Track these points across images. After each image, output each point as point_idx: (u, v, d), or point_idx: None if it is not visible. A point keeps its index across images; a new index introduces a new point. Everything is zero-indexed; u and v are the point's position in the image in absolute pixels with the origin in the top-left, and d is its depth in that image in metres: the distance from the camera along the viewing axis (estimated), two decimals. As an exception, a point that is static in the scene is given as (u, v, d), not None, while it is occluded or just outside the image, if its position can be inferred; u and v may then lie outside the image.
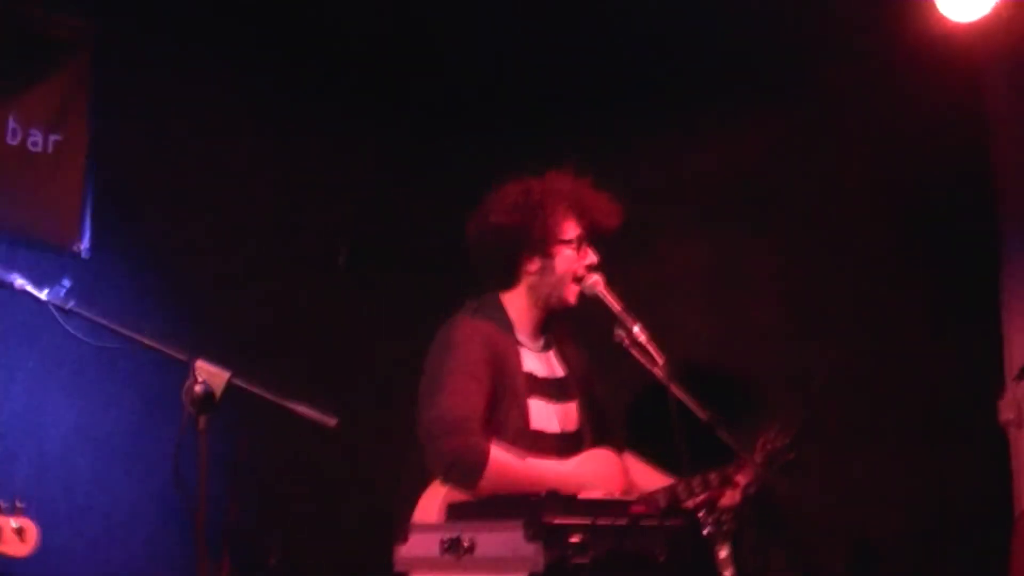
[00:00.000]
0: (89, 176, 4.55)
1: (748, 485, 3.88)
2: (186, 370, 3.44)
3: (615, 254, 4.11)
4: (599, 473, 3.85)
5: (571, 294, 3.98)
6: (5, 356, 4.31)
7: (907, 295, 4.70)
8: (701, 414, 3.69)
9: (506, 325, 3.96)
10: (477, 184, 4.15)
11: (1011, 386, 4.54)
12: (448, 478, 3.67)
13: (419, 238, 5.33)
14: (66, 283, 3.55)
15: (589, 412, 4.06)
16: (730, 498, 3.76)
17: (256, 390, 3.54)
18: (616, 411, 4.26)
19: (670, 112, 5.17)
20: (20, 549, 3.75)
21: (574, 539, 3.33)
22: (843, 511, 4.68)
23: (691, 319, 5.08)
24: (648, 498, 3.69)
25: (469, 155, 5.32)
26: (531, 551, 3.30)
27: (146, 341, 3.55)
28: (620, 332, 3.83)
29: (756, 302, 5.05)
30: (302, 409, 3.60)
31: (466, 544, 3.42)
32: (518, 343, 3.97)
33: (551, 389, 3.99)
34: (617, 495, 3.74)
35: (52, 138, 4.48)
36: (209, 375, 3.45)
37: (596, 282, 3.96)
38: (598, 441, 4.02)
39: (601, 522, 3.41)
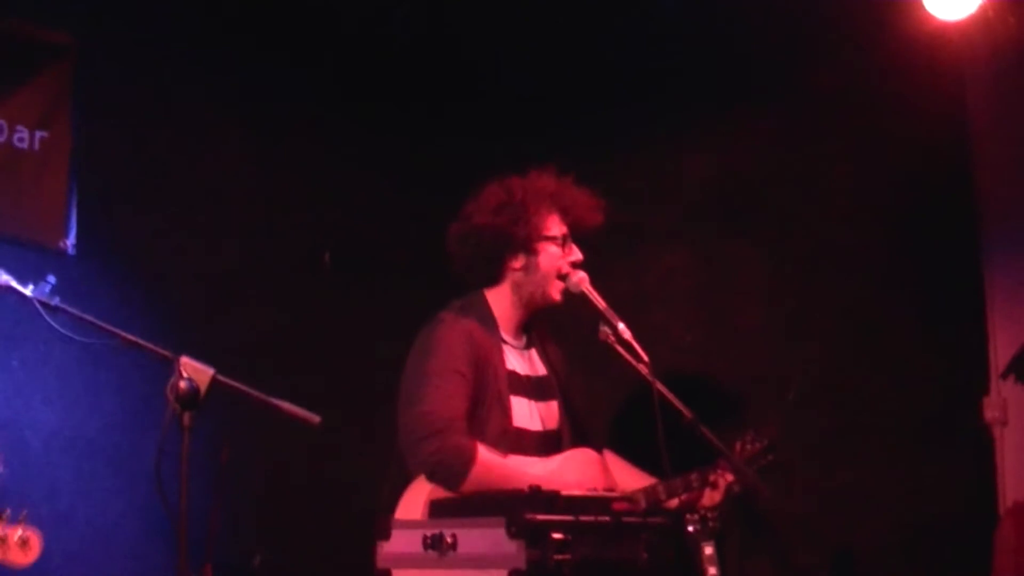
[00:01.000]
0: (75, 173, 4.55)
1: (731, 484, 3.89)
2: (171, 369, 3.45)
3: (600, 258, 4.12)
4: (581, 471, 3.85)
5: (556, 291, 3.98)
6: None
7: (891, 295, 4.70)
8: (685, 412, 3.70)
9: (490, 323, 3.96)
10: (464, 186, 4.15)
11: (996, 385, 4.56)
12: (433, 478, 3.67)
13: (402, 238, 5.33)
14: (51, 280, 3.55)
15: (570, 411, 4.07)
16: (712, 497, 3.77)
17: (240, 387, 3.55)
18: (597, 410, 4.26)
19: (655, 115, 5.18)
20: (23, 558, 3.75)
21: (556, 536, 3.32)
22: (827, 511, 4.68)
23: (675, 323, 5.09)
24: (628, 498, 3.69)
25: (456, 158, 5.32)
26: (513, 548, 3.30)
27: (130, 338, 3.55)
28: (605, 329, 3.83)
29: (741, 305, 5.05)
30: (286, 406, 3.61)
31: (448, 541, 3.42)
32: (502, 341, 3.97)
33: (533, 388, 4.00)
34: (599, 493, 3.74)
35: (39, 135, 4.49)
36: (194, 372, 3.46)
37: (581, 279, 3.96)
38: (578, 440, 4.02)
39: (583, 519, 3.41)
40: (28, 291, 3.51)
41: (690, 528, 3.58)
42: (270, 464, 4.80)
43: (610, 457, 4.15)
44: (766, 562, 4.72)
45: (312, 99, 5.24)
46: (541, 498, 3.41)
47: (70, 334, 3.56)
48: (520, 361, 4.01)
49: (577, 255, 4.00)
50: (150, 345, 3.52)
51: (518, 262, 3.98)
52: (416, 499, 3.66)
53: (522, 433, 3.90)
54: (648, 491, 3.79)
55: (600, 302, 3.90)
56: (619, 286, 4.21)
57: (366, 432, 4.69)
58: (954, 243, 4.63)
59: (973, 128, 4.70)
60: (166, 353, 3.48)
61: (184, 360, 3.45)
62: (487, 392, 3.83)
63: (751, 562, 4.61)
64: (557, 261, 3.98)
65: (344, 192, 5.29)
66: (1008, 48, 4.54)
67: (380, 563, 3.57)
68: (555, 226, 3.99)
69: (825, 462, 4.73)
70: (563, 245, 3.99)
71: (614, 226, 4.18)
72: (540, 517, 3.34)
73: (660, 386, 3.72)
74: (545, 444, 3.94)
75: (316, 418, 3.61)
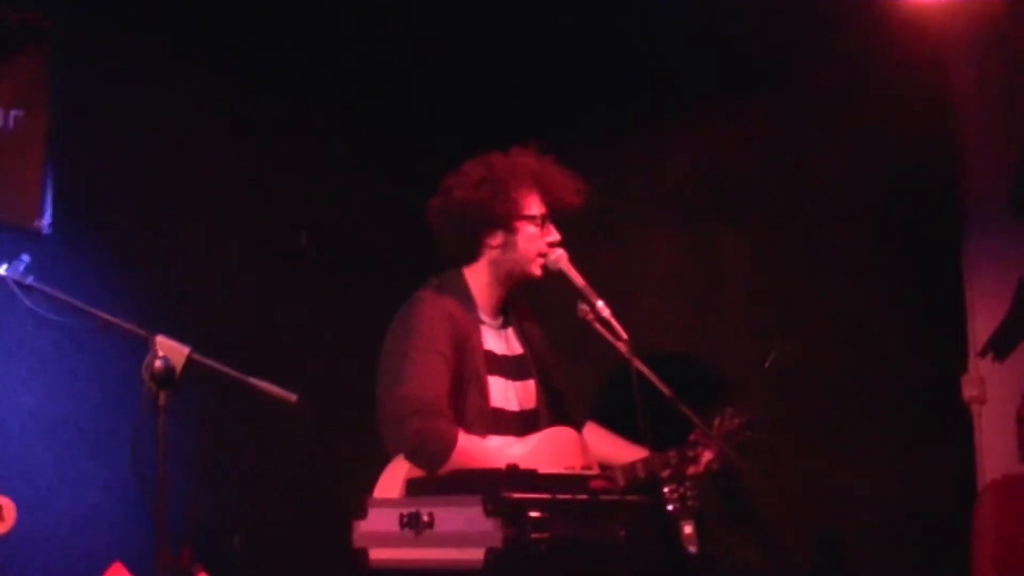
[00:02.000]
0: (51, 153, 4.52)
1: (711, 461, 3.90)
2: (146, 348, 3.43)
3: (586, 245, 4.11)
4: (559, 450, 3.84)
5: (535, 267, 3.96)
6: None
7: (870, 274, 4.72)
8: (664, 390, 3.69)
9: (468, 302, 3.94)
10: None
11: (974, 363, 4.57)
12: (412, 459, 3.66)
13: (369, 222, 5.32)
14: (25, 258, 3.54)
15: (547, 390, 4.05)
16: (692, 470, 3.78)
17: (216, 366, 3.54)
18: (576, 388, 4.25)
19: (643, 107, 5.18)
20: None
21: (533, 514, 3.31)
22: (807, 492, 4.70)
23: (660, 311, 5.09)
24: (606, 476, 3.69)
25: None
26: (490, 526, 3.28)
27: (105, 317, 3.54)
28: (584, 307, 3.82)
29: (724, 292, 5.06)
30: (263, 385, 3.61)
31: (425, 519, 3.40)
32: (479, 321, 3.95)
33: (510, 367, 3.98)
34: (577, 471, 3.73)
35: (13, 113, 4.46)
36: (169, 350, 3.46)
37: (560, 256, 3.94)
38: (557, 419, 4.01)
39: (561, 497, 3.40)
40: (2, 270, 3.50)
41: (669, 507, 3.58)
42: (249, 444, 4.78)
43: (594, 429, 4.15)
44: (748, 542, 4.74)
45: (292, 83, 5.18)
46: (518, 476, 3.39)
47: (45, 314, 3.55)
48: (497, 340, 3.99)
49: (555, 235, 3.98)
50: (125, 324, 3.51)
51: (496, 239, 3.96)
52: (394, 478, 3.66)
53: (499, 413, 3.88)
54: (626, 469, 3.79)
55: (579, 280, 3.89)
56: (604, 273, 4.19)
57: (344, 410, 4.68)
58: (934, 223, 4.64)
59: (954, 110, 4.71)
60: (141, 332, 3.48)
61: (159, 339, 3.45)
62: (465, 372, 3.81)
63: (734, 542, 4.62)
64: (535, 241, 3.95)
65: (326, 176, 5.26)
66: (988, 33, 4.55)
67: (356, 542, 3.55)
68: (534, 205, 3.97)
69: (804, 443, 4.74)
70: (541, 225, 3.97)
71: (601, 214, 4.18)
72: (517, 495, 3.32)
73: (639, 364, 3.71)
74: (522, 424, 3.93)
75: (293, 397, 3.61)
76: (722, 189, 5.06)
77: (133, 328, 3.49)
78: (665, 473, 3.76)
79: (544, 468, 3.59)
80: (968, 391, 4.57)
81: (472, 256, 3.99)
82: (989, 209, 4.60)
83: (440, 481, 3.55)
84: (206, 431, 4.21)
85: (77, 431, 4.52)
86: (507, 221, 3.93)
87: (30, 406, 4.43)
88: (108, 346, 4.22)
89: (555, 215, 4.00)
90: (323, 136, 5.30)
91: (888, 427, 4.61)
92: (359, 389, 3.93)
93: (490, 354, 3.93)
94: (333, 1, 5.16)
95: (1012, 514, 4.27)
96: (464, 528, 3.33)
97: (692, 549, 3.54)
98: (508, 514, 3.29)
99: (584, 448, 3.95)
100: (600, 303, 3.82)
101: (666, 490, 3.60)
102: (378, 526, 3.51)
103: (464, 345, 3.83)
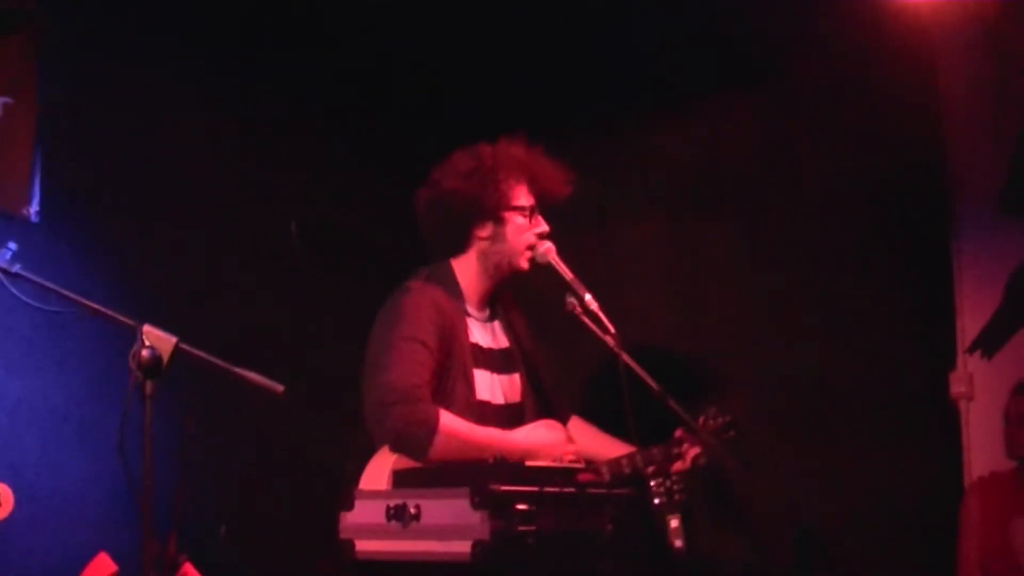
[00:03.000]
0: (40, 140, 4.49)
1: (698, 456, 3.89)
2: (133, 338, 3.42)
3: (574, 238, 4.10)
4: (547, 443, 3.83)
5: (523, 260, 3.95)
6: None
7: (860, 271, 4.73)
8: (652, 385, 3.69)
9: (455, 293, 3.93)
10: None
11: (963, 360, 4.58)
12: (397, 446, 3.63)
13: (357, 213, 5.31)
14: (12, 246, 3.51)
15: (533, 383, 4.04)
16: (679, 466, 3.77)
17: (203, 355, 3.52)
18: (562, 382, 4.24)
19: (633, 102, 5.18)
20: None
21: (520, 507, 3.31)
22: (794, 487, 4.70)
23: (648, 305, 5.10)
24: (593, 469, 3.68)
25: (425, 140, 5.29)
26: (477, 519, 3.28)
27: (93, 306, 3.52)
28: (572, 300, 3.81)
29: (712, 287, 5.06)
30: (250, 375, 3.58)
31: (412, 511, 3.39)
32: (466, 313, 3.94)
33: (496, 360, 3.97)
34: (564, 464, 3.73)
35: (1, 101, 4.41)
36: (156, 340, 3.42)
37: (548, 249, 3.93)
38: (542, 412, 3.99)
39: (548, 490, 3.39)
40: (-12, 257, 3.48)
41: (656, 500, 3.57)
42: (235, 435, 4.77)
43: (578, 423, 4.14)
44: (735, 537, 4.74)
45: (281, 75, 5.16)
46: (505, 469, 3.39)
47: (32, 302, 3.53)
48: (483, 333, 3.98)
49: (543, 227, 3.97)
50: (112, 313, 3.49)
51: (484, 231, 3.94)
52: (380, 470, 3.63)
53: (485, 406, 3.87)
54: (612, 463, 3.78)
55: (567, 273, 3.88)
56: (593, 266, 4.19)
57: (331, 401, 4.66)
58: (923, 220, 4.65)
59: (944, 106, 4.72)
60: (128, 321, 3.45)
61: (147, 328, 3.42)
62: (452, 364, 3.80)
63: (720, 536, 4.63)
64: (523, 232, 3.93)
65: (311, 166, 5.25)
66: (979, 31, 4.56)
67: (343, 534, 3.53)
68: (523, 196, 3.95)
69: (792, 438, 4.75)
70: (530, 216, 3.95)
71: (591, 206, 4.17)
72: (504, 488, 3.31)
73: (627, 358, 3.71)
74: (508, 417, 3.91)
75: (279, 387, 3.58)
76: (712, 184, 5.08)
77: (120, 317, 3.47)
78: (649, 469, 3.75)
79: (531, 459, 3.59)
80: (956, 388, 4.58)
81: (460, 247, 3.97)
82: (979, 206, 4.61)
83: (427, 473, 3.53)
84: (193, 421, 4.19)
85: (63, 420, 4.49)
86: (495, 212, 3.91)
87: (16, 395, 4.40)
88: (95, 335, 4.21)
89: (544, 207, 3.99)
90: (312, 126, 5.30)
91: (876, 423, 4.62)
92: (347, 380, 3.92)
93: (476, 347, 3.91)
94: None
95: (998, 511, 4.29)
96: (451, 520, 3.32)
97: (678, 543, 3.54)
98: (495, 507, 3.28)
99: (571, 441, 3.94)
100: (588, 296, 3.81)
101: (653, 484, 3.59)
102: (364, 518, 3.50)
103: (451, 336, 3.82)
